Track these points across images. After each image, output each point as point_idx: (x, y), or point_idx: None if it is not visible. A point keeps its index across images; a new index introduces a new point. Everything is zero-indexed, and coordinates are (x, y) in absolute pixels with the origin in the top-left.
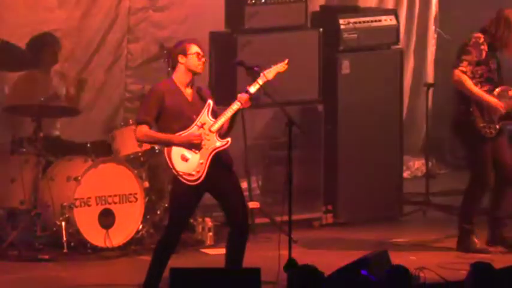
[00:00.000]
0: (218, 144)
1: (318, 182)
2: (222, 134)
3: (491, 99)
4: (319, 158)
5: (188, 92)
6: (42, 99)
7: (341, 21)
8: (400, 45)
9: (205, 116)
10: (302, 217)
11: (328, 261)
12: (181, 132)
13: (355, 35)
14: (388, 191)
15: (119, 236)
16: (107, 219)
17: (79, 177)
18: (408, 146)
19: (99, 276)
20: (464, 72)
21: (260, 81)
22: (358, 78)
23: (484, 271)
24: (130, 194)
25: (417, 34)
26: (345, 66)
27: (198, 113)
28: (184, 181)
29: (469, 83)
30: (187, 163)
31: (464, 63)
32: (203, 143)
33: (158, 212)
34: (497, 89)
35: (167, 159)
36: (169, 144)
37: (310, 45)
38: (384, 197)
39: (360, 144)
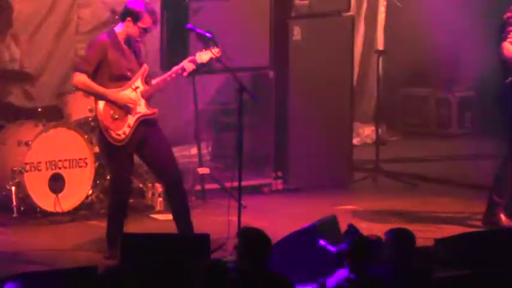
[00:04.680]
0: (147, 111)
1: (268, 149)
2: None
3: None
4: (270, 124)
5: (125, 47)
6: None
7: None
8: (351, 12)
9: (139, 80)
10: (252, 183)
11: (278, 227)
12: (116, 90)
13: (307, 2)
14: (338, 157)
15: (68, 201)
16: (56, 183)
17: (29, 142)
18: (359, 113)
19: (48, 240)
20: None
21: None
22: (309, 45)
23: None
24: (81, 159)
25: (368, 1)
26: (296, 33)
27: (132, 70)
28: (110, 138)
29: None
30: (115, 122)
31: None
32: (134, 107)
33: (108, 177)
34: None
35: (97, 111)
36: (103, 98)
37: (262, 11)
38: (334, 163)
39: (311, 111)
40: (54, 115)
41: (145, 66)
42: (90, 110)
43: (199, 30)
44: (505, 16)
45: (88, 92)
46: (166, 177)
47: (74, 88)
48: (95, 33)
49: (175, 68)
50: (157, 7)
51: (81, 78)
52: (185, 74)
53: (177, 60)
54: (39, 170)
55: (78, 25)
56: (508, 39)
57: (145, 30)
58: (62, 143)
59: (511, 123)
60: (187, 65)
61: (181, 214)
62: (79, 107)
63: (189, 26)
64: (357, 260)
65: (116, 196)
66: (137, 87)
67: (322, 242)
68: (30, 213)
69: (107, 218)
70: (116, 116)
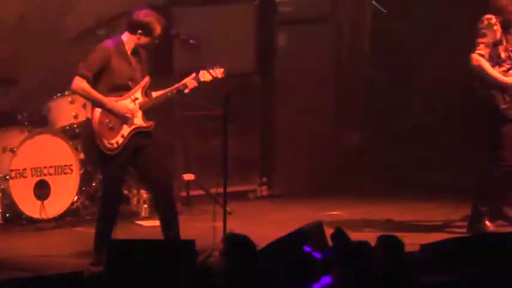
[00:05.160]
0: (143, 124)
1: (254, 155)
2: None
3: (510, 80)
4: (255, 130)
5: (132, 57)
6: None
7: None
8: (336, 18)
9: (139, 92)
10: (237, 189)
11: (263, 233)
12: (114, 99)
13: (291, 8)
14: (324, 163)
15: (54, 208)
16: (42, 190)
17: (15, 149)
18: (344, 119)
19: (34, 247)
20: (482, 55)
21: (204, 75)
22: (294, 51)
23: (392, 243)
24: (66, 166)
25: (352, 7)
26: (281, 39)
27: (134, 80)
28: (102, 147)
29: (487, 67)
30: (109, 131)
31: (481, 46)
32: (131, 118)
33: (93, 184)
34: None
35: (93, 118)
36: (100, 105)
37: (247, 17)
38: (319, 169)
39: (296, 117)
40: (39, 122)
41: (146, 78)
42: (75, 117)
43: (184, 36)
44: (477, 25)
45: (86, 98)
46: (157, 188)
47: (67, 93)
48: (79, 40)
49: (177, 85)
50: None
51: (80, 84)
52: (187, 90)
53: (162, 66)
54: (25, 177)
55: (63, 32)
56: (477, 51)
57: (156, 39)
58: (47, 149)
59: (487, 132)
60: (189, 82)
61: (170, 225)
62: (64, 114)
63: (174, 32)
64: (344, 266)
65: (106, 203)
66: (136, 99)
67: (307, 249)
68: (16, 219)
69: (96, 224)
70: (111, 125)
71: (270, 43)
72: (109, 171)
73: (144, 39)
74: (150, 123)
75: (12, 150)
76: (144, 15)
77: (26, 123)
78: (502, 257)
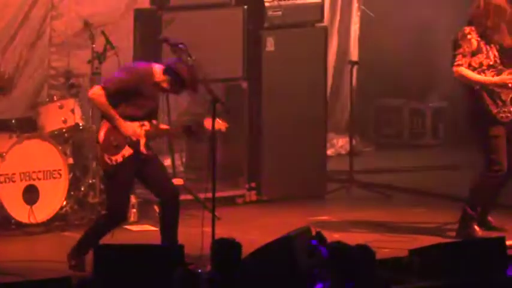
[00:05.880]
0: (143, 151)
1: (242, 160)
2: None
3: (496, 78)
4: (243, 135)
5: (159, 88)
6: None
7: None
8: (325, 23)
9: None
10: (226, 194)
11: (251, 238)
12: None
13: (280, 12)
14: (312, 168)
15: (43, 212)
16: (31, 195)
17: (4, 153)
18: (332, 124)
19: (23, 251)
20: (461, 65)
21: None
22: (283, 56)
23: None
24: (55, 170)
25: (341, 11)
26: (270, 44)
27: (152, 112)
28: (101, 161)
29: (469, 73)
30: (113, 148)
31: (459, 57)
32: (135, 141)
33: (82, 189)
34: (504, 74)
35: (99, 132)
36: (111, 121)
37: (235, 22)
38: (307, 174)
39: (284, 122)
40: (28, 126)
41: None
42: (64, 121)
43: (172, 41)
44: (454, 38)
45: (99, 108)
46: (165, 192)
47: (55, 97)
48: (68, 44)
49: (184, 127)
50: (130, 18)
51: (98, 93)
52: (189, 136)
53: None
54: (14, 182)
55: (51, 37)
56: (456, 63)
57: (179, 91)
58: (36, 154)
59: (478, 137)
60: (195, 128)
61: (172, 228)
62: (53, 118)
63: (162, 36)
64: (340, 271)
65: (110, 219)
66: (144, 125)
67: (313, 242)
68: (5, 224)
69: (91, 229)
70: (115, 143)
71: (258, 48)
72: (113, 185)
73: (167, 86)
74: (149, 152)
75: (0, 155)
76: (187, 72)
77: (14, 128)
78: (490, 263)
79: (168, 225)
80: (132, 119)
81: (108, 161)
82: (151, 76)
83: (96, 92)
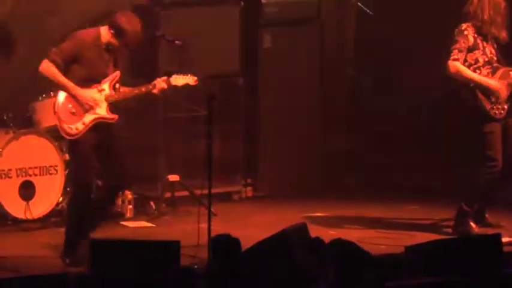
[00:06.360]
0: (106, 115)
1: (238, 156)
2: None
3: (491, 83)
4: (240, 131)
5: (106, 52)
6: None
7: None
8: (321, 20)
9: (107, 84)
10: (222, 190)
11: (248, 234)
12: (81, 88)
13: (276, 9)
14: (309, 164)
15: (39, 208)
16: (27, 191)
17: (0, 149)
18: (328, 121)
19: (19, 247)
20: (457, 60)
21: (176, 80)
22: (279, 53)
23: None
24: (51, 166)
25: (338, 8)
26: (266, 40)
27: (106, 76)
28: (61, 130)
29: (465, 70)
30: (71, 116)
31: (455, 52)
32: (94, 107)
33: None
34: (498, 71)
35: (55, 102)
36: (65, 90)
37: (232, 18)
38: (304, 170)
39: (281, 118)
40: (25, 122)
41: (117, 72)
42: None
43: (169, 37)
44: (450, 35)
45: (52, 80)
46: (112, 179)
47: (52, 93)
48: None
49: (146, 85)
50: None
51: (47, 66)
52: (155, 91)
53: (147, 67)
54: (10, 177)
55: (48, 33)
56: (452, 57)
57: (126, 46)
58: (32, 150)
59: (473, 133)
60: (159, 83)
61: (101, 212)
62: (49, 115)
63: (159, 33)
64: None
65: (77, 192)
66: (103, 90)
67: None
68: (1, 220)
69: (67, 217)
70: (74, 111)
71: (254, 44)
72: (76, 157)
73: (114, 41)
74: (114, 116)
75: None
76: (125, 22)
77: (11, 124)
78: (486, 259)
79: (99, 209)
80: (88, 83)
81: (69, 130)
82: (97, 38)
83: (45, 65)
